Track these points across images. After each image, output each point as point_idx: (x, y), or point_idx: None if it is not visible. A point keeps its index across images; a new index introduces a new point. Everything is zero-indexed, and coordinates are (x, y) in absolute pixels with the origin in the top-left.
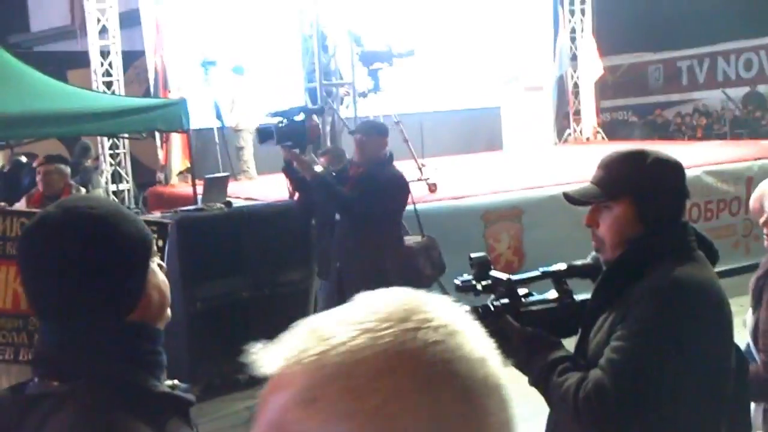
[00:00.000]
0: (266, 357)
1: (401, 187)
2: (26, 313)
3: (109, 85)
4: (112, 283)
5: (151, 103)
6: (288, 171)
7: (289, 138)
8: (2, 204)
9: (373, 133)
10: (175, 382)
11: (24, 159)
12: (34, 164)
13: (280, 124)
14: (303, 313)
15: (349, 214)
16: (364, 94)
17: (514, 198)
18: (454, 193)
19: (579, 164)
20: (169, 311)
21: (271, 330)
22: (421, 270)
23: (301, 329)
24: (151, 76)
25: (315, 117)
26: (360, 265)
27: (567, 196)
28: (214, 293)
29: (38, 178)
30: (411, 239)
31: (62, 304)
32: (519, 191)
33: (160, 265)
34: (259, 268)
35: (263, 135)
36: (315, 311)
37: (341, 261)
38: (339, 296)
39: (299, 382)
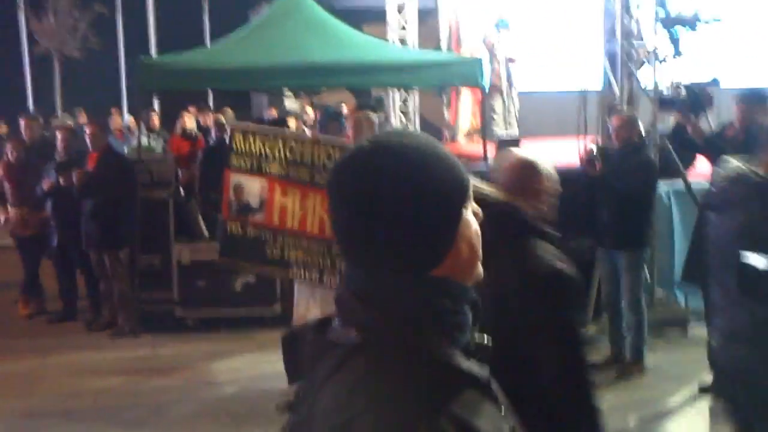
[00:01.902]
0: None
1: None
2: (331, 239)
3: (402, 40)
4: (419, 231)
5: (448, 59)
6: (675, 136)
7: (689, 106)
8: (314, 132)
9: (753, 100)
10: (482, 335)
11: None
12: (345, 110)
13: (681, 94)
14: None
15: None
16: (663, 59)
17: None
18: None
19: None
20: (480, 268)
21: None
22: None
23: None
24: (443, 34)
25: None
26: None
27: None
28: None
29: (348, 124)
30: None
31: (362, 249)
32: None
33: (475, 214)
34: None
35: (665, 103)
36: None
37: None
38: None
39: None
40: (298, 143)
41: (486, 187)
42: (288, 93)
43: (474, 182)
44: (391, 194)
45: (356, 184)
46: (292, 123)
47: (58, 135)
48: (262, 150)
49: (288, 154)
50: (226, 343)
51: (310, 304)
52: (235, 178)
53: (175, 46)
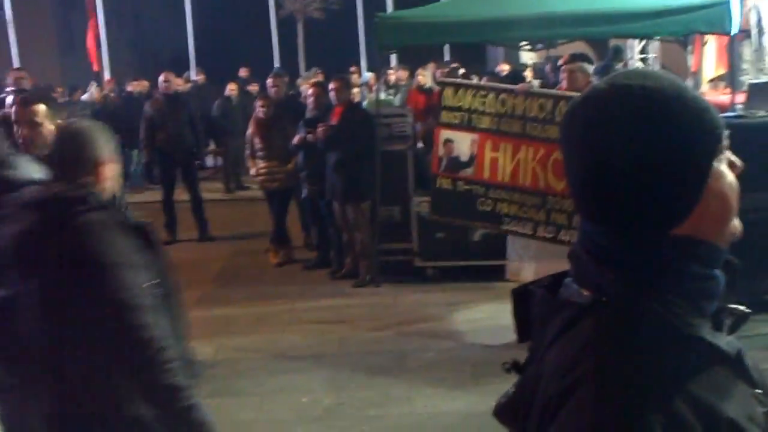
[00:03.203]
0: None
1: None
2: (544, 191)
3: None
4: (661, 184)
5: (692, 3)
6: None
7: None
8: (530, 83)
9: None
10: (736, 306)
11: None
12: (559, 62)
13: None
14: None
15: None
16: None
17: None
18: None
19: None
20: (737, 225)
21: None
22: None
23: None
24: None
25: None
26: None
27: None
28: (759, 205)
29: (562, 76)
30: None
31: (597, 204)
32: None
33: (732, 164)
34: None
35: None
36: None
37: None
38: None
39: None
40: (510, 96)
41: None
42: (524, 46)
43: None
44: (629, 143)
45: (589, 131)
46: (528, 75)
47: (309, 91)
48: (473, 104)
49: (499, 107)
50: (464, 293)
51: (523, 258)
52: (445, 133)
53: (412, 3)
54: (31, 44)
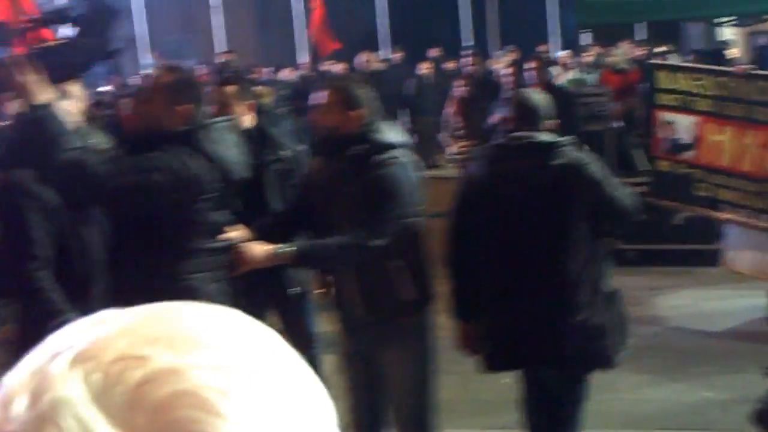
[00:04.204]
0: None
1: None
2: (765, 179)
3: None
4: None
5: None
6: None
7: None
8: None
9: None
10: None
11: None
12: None
13: None
14: None
15: None
16: None
17: None
18: None
19: None
20: None
21: None
22: None
23: None
24: None
25: None
26: None
27: None
28: None
29: None
30: None
31: None
32: None
33: None
34: None
35: None
36: None
37: None
38: None
39: None
40: (729, 79)
41: None
42: (728, 22)
43: None
44: None
45: None
46: (734, 53)
47: (507, 70)
48: (689, 87)
49: (718, 90)
50: (665, 277)
51: (739, 247)
52: (663, 115)
53: None
54: (235, 26)
